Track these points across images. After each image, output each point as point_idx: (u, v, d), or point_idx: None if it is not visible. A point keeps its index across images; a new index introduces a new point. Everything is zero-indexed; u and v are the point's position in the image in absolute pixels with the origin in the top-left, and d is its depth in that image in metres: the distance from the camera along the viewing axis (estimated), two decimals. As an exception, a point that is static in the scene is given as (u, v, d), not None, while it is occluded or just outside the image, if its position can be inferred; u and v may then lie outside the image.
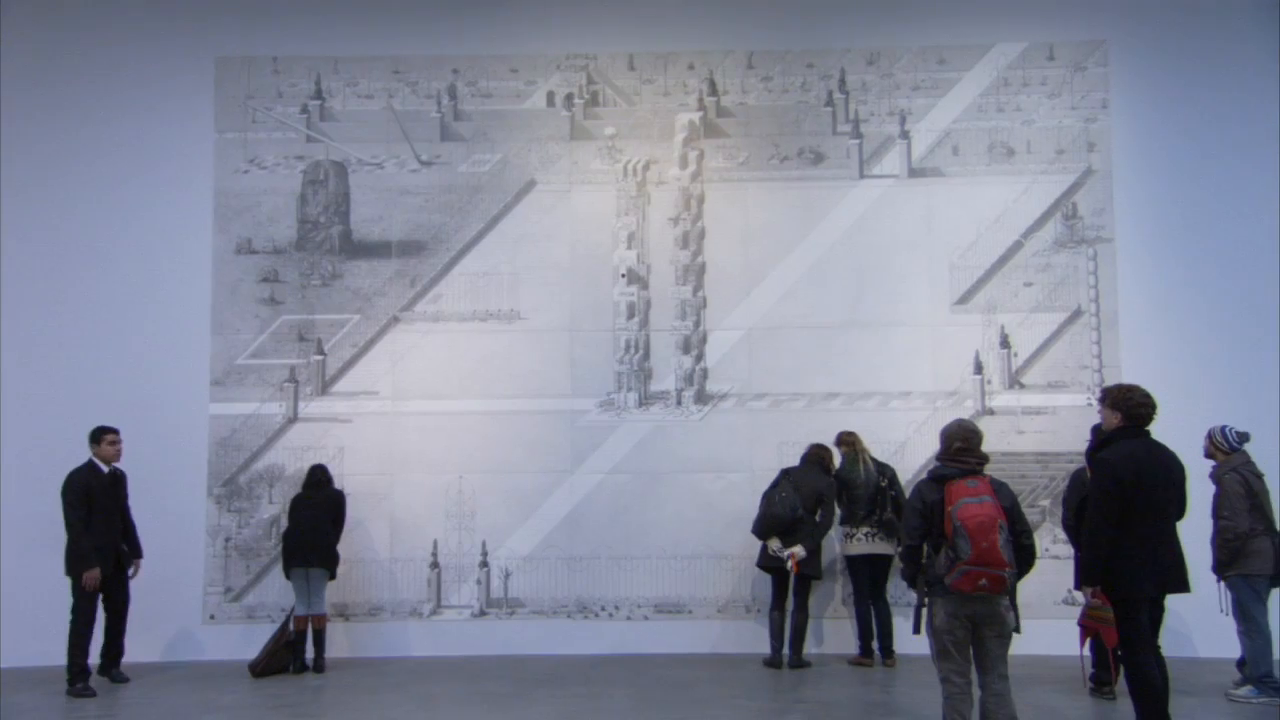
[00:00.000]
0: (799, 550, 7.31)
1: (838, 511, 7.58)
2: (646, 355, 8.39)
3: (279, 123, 8.63)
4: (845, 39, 8.55)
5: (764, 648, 7.57)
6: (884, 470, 7.62)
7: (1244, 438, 6.65)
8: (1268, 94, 8.19)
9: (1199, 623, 7.60)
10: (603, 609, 8.17)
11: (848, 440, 7.73)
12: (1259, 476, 6.58)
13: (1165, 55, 8.31)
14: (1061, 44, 8.38)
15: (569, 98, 8.60)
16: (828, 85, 8.54)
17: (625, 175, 8.53)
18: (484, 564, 8.19)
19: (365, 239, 8.54)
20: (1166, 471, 5.14)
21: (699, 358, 8.38)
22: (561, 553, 8.18)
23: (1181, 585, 5.14)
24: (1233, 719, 6.06)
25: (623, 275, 8.44)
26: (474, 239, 8.51)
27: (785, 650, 7.43)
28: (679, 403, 8.34)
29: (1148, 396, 5.26)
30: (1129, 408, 5.22)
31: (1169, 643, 6.93)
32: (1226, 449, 6.62)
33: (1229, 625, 6.96)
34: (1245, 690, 6.40)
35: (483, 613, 8.17)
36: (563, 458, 8.27)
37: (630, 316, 8.43)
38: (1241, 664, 6.57)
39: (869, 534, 7.46)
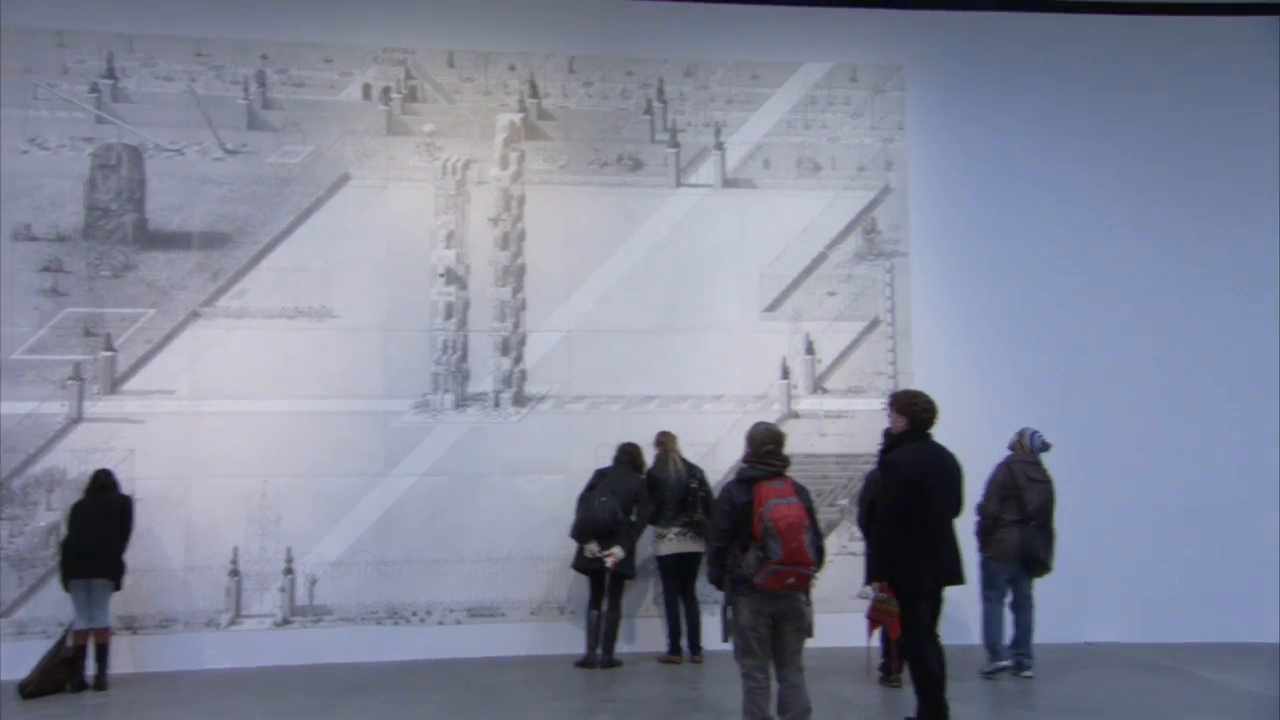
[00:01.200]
0: (618, 551, 7.43)
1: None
2: (464, 356, 8.30)
3: (65, 101, 8.00)
4: (664, 49, 8.74)
5: (578, 648, 7.63)
6: (694, 471, 7.84)
7: (1045, 447, 7.28)
8: (1046, 118, 8.92)
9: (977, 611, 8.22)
10: (414, 614, 8.02)
11: (661, 441, 7.91)
12: (1033, 480, 7.18)
13: (956, 82, 8.92)
14: (863, 67, 8.87)
15: (386, 92, 8.40)
16: (647, 94, 8.70)
17: (444, 173, 8.41)
18: (289, 571, 7.88)
19: (162, 229, 8.04)
20: (947, 472, 5.54)
21: (518, 359, 8.37)
22: (372, 557, 7.97)
23: (958, 578, 5.56)
24: (995, 696, 6.60)
25: (441, 275, 8.31)
26: (283, 233, 8.17)
27: (599, 650, 7.52)
28: (497, 405, 8.30)
29: (930, 402, 5.65)
30: (914, 412, 5.59)
31: (950, 631, 7.48)
32: (1026, 450, 7.27)
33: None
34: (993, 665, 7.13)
35: (286, 621, 7.85)
36: (375, 460, 8.06)
37: (448, 317, 8.31)
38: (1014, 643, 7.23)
39: (679, 534, 7.66)
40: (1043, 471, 7.29)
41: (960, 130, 8.90)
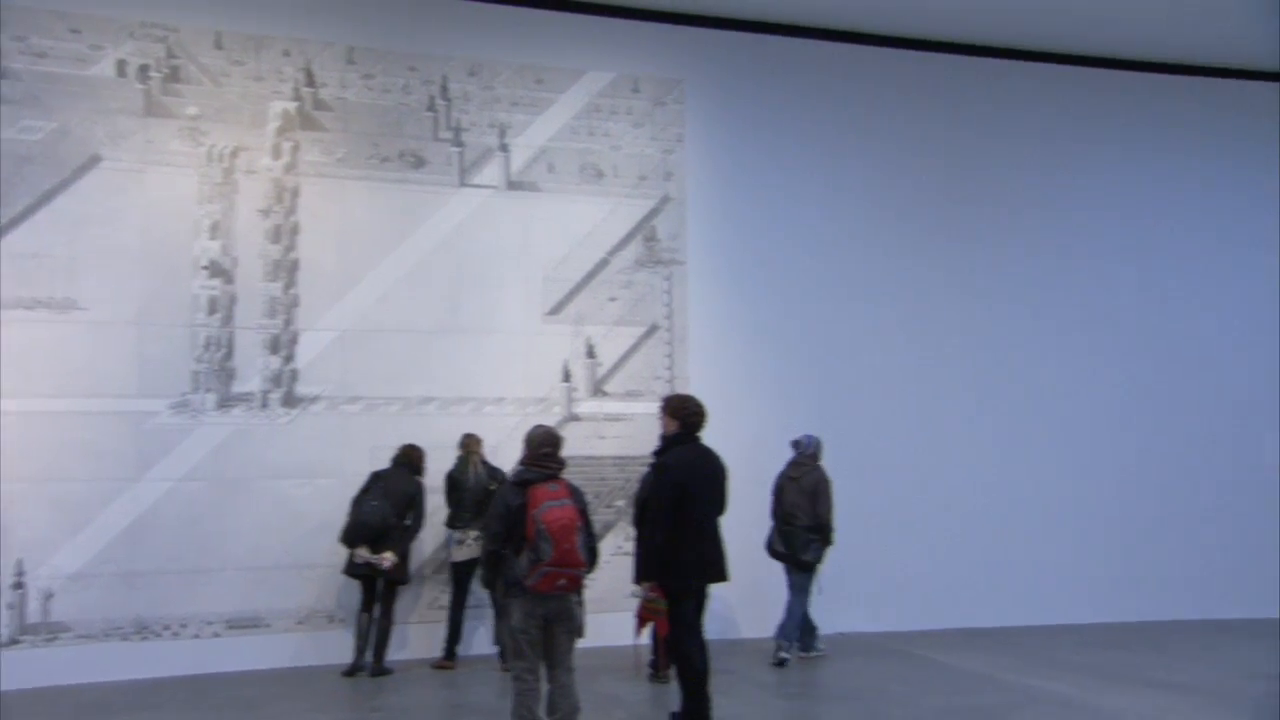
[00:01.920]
0: (389, 556, 7.25)
1: (423, 514, 7.60)
2: (229, 354, 7.86)
3: None
4: (448, 47, 8.62)
5: (348, 657, 7.39)
6: (495, 474, 7.74)
7: (805, 448, 7.96)
8: (816, 138, 9.44)
9: (742, 606, 8.61)
10: (166, 628, 7.50)
11: (465, 443, 7.80)
12: (790, 479, 7.83)
13: (733, 98, 9.30)
14: (645, 78, 9.09)
15: (144, 70, 7.82)
16: (430, 90, 8.54)
17: (210, 160, 7.94)
18: (18, 585, 7.18)
19: (-128, 206, 7.16)
20: (714, 474, 5.77)
21: (289, 358, 8.01)
22: (119, 568, 7.40)
23: (722, 576, 5.80)
24: (753, 686, 6.93)
25: (204, 267, 7.84)
26: (20, 216, 7.45)
27: (368, 657, 7.31)
28: (265, 405, 7.91)
29: (700, 406, 5.86)
30: (685, 416, 5.78)
31: (715, 627, 7.79)
32: (800, 451, 7.93)
33: (766, 607, 8.03)
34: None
35: (14, 641, 7.14)
36: (125, 464, 7.49)
37: (212, 312, 7.85)
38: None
39: (477, 538, 7.51)
40: (801, 470, 7.82)
41: (736, 145, 9.28)
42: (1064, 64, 10.13)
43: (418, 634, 7.99)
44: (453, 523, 7.65)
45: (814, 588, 7.85)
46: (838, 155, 9.50)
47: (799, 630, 7.80)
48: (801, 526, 7.71)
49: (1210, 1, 8.96)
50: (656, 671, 7.00)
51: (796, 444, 8.01)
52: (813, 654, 7.92)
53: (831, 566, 8.93)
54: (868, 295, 9.44)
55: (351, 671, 7.28)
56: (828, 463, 8.15)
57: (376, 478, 7.49)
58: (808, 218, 9.38)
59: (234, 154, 8.00)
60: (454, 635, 7.65)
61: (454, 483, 7.68)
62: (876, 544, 9.03)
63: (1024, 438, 9.59)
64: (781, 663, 7.56)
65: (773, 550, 7.82)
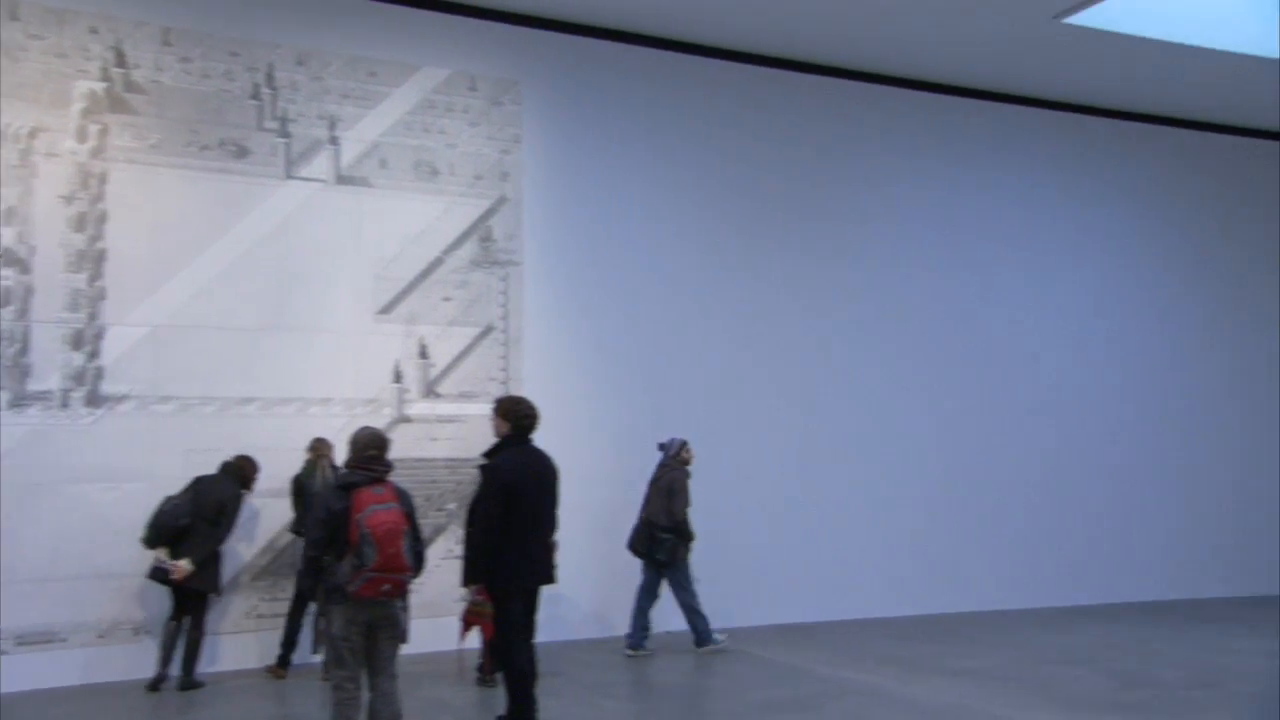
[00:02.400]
0: (184, 564, 6.88)
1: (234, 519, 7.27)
2: (24, 349, 7.31)
3: None
4: (274, 34, 8.28)
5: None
6: None
7: (663, 449, 8.35)
8: (652, 145, 9.57)
9: (580, 607, 8.67)
10: (-55, 647, 6.91)
11: (314, 447, 7.53)
12: (651, 481, 8.22)
13: (571, 102, 9.33)
14: (482, 77, 9.00)
15: (-72, 39, 7.18)
16: (254, 78, 8.18)
17: (3, 141, 7.36)
18: None
19: None
20: (546, 477, 5.78)
21: (93, 355, 7.52)
22: (-108, 583, 6.76)
23: (550, 578, 5.82)
24: (580, 688, 6.99)
25: (-2, 255, 7.26)
26: None
27: (175, 669, 6.93)
28: (65, 404, 7.39)
29: (533, 408, 5.86)
30: (516, 418, 5.77)
31: (554, 630, 7.81)
32: (665, 453, 8.27)
33: (602, 609, 8.11)
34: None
35: None
36: (-101, 468, 6.85)
37: (4, 304, 7.28)
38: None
39: None
40: (662, 471, 8.20)
41: (574, 148, 9.31)
42: (895, 86, 10.63)
43: (233, 645, 7.65)
44: (297, 528, 7.37)
45: (686, 582, 8.16)
46: (675, 163, 9.68)
47: (706, 630, 8.15)
48: (659, 526, 8.02)
49: (1016, 34, 9.62)
50: (484, 675, 6.95)
51: (661, 446, 8.32)
52: (640, 652, 8.05)
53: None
54: (702, 301, 9.66)
55: (155, 685, 6.90)
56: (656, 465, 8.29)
57: (197, 481, 7.14)
58: (644, 223, 9.52)
59: (32, 135, 7.45)
60: (289, 641, 7.37)
61: (300, 487, 7.41)
62: (699, 544, 9.24)
63: (842, 441, 10.00)
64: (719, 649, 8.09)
65: (631, 548, 8.17)
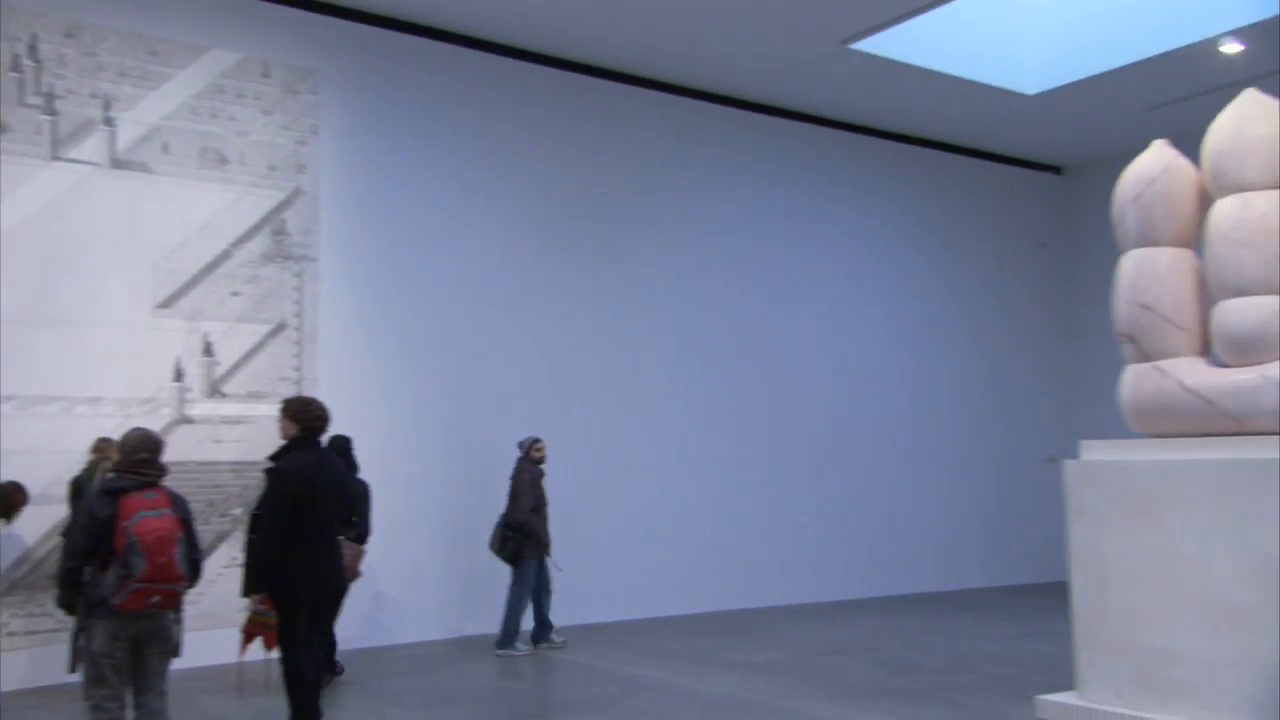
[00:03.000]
0: None
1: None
2: None
3: None
4: (37, 2, 7.64)
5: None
6: None
7: (520, 448, 8.47)
8: (455, 143, 9.47)
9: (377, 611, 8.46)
10: None
11: (99, 447, 6.98)
12: (509, 479, 8.36)
13: (372, 95, 9.11)
14: (277, 64, 8.64)
15: None
16: (14, 48, 7.53)
17: None
18: None
19: None
20: (335, 481, 5.61)
21: None
22: None
23: (339, 585, 5.66)
24: (369, 694, 6.85)
25: None
26: None
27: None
28: None
29: (324, 409, 5.68)
30: (305, 419, 5.57)
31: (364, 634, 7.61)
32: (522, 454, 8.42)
33: (395, 610, 7.96)
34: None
35: None
36: None
37: None
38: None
39: None
40: (514, 470, 8.36)
41: (374, 142, 9.10)
42: (698, 99, 10.97)
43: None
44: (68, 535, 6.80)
45: (523, 581, 8.26)
46: (480, 164, 9.62)
47: (517, 625, 8.22)
48: (507, 525, 8.25)
49: (808, 57, 10.14)
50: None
51: (519, 444, 8.47)
52: (543, 646, 8.34)
53: (457, 572, 9.06)
54: (505, 303, 9.64)
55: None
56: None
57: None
58: (447, 223, 9.41)
59: None
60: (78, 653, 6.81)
61: (79, 490, 6.85)
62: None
63: (635, 443, 10.22)
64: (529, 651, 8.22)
65: (490, 547, 8.35)
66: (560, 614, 8.67)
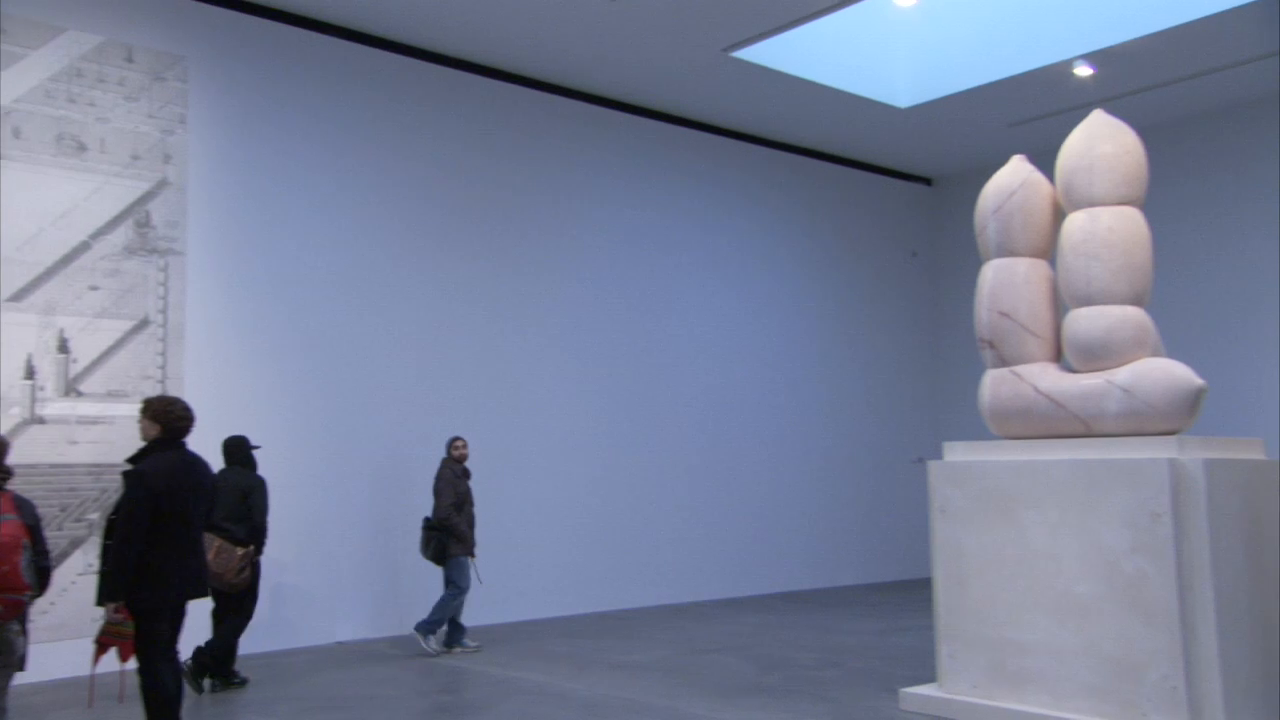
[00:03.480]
0: None
1: None
2: None
3: None
4: None
5: None
6: None
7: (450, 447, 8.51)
8: (328, 137, 9.24)
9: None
10: None
11: None
12: (435, 477, 8.42)
13: (243, 85, 8.80)
14: (141, 48, 8.27)
15: None
16: None
17: None
18: None
19: None
20: (199, 483, 5.41)
21: None
22: None
23: (202, 591, 5.46)
24: (234, 705, 6.64)
25: None
26: None
27: None
28: None
29: (188, 410, 5.46)
30: (168, 420, 5.34)
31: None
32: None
33: (283, 620, 7.72)
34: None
35: None
36: None
37: None
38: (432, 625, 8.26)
39: None
40: (436, 471, 8.43)
41: (245, 133, 8.80)
42: (582, 101, 11.00)
43: None
44: None
45: (452, 580, 8.23)
46: (357, 160, 9.43)
47: (442, 620, 8.19)
48: (430, 524, 8.28)
49: (691, 63, 10.28)
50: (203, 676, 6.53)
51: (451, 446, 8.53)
52: (456, 650, 8.32)
53: (328, 575, 8.86)
54: (378, 300, 9.45)
55: None
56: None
57: None
58: (322, 219, 9.18)
59: None
60: None
61: None
62: (367, 551, 9.09)
63: (513, 444, 10.13)
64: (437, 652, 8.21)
65: (420, 550, 8.39)
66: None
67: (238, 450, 7.36)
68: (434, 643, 8.26)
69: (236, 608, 7.10)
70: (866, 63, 11.13)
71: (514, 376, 10.28)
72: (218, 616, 7.14)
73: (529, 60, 10.28)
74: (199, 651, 6.98)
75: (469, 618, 8.79)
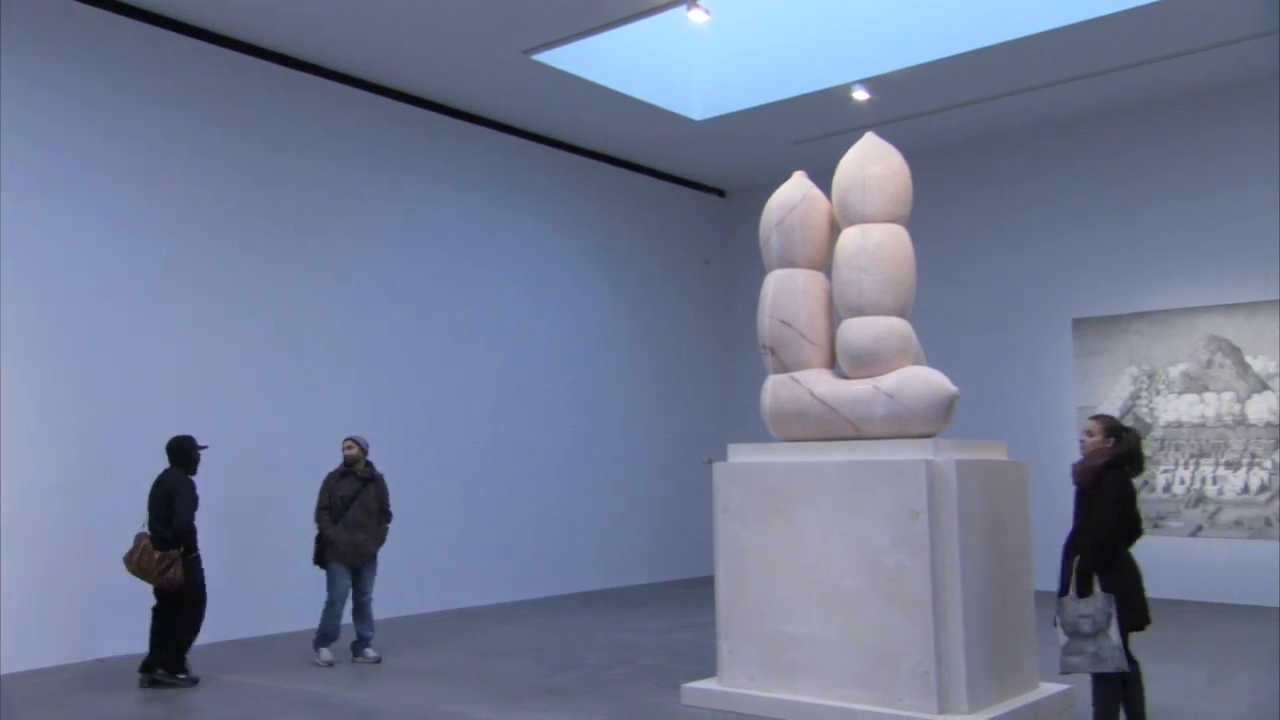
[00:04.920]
0: None
1: None
2: None
3: None
4: None
5: None
6: None
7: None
8: (95, 114, 8.56)
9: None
10: None
11: None
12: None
13: (14, 61, 8.02)
14: None
15: None
16: None
17: None
18: None
19: None
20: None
21: None
22: None
23: None
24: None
25: None
26: None
27: None
28: None
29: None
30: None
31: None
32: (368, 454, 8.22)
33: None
34: (373, 651, 8.00)
35: None
36: None
37: None
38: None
39: None
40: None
41: (7, 116, 8.01)
42: (372, 92, 10.68)
43: None
44: None
45: (334, 593, 7.93)
46: (135, 149, 8.81)
47: (325, 630, 7.94)
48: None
49: (491, 64, 10.20)
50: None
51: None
52: (357, 660, 8.05)
53: (82, 590, 8.20)
54: (141, 299, 8.79)
55: None
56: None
57: None
58: (71, 199, 8.42)
59: None
60: None
61: None
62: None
63: (290, 447, 9.67)
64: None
65: None
66: (218, 629, 8.12)
67: (176, 452, 7.38)
68: (325, 654, 7.89)
69: (177, 607, 7.21)
70: (664, 74, 11.40)
71: (301, 377, 9.85)
72: (158, 614, 7.27)
73: (324, 50, 9.89)
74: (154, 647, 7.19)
75: (234, 629, 8.35)
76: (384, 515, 8.25)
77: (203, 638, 7.76)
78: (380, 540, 8.22)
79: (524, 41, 9.82)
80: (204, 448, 7.49)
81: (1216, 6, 9.16)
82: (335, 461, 8.38)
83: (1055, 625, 5.04)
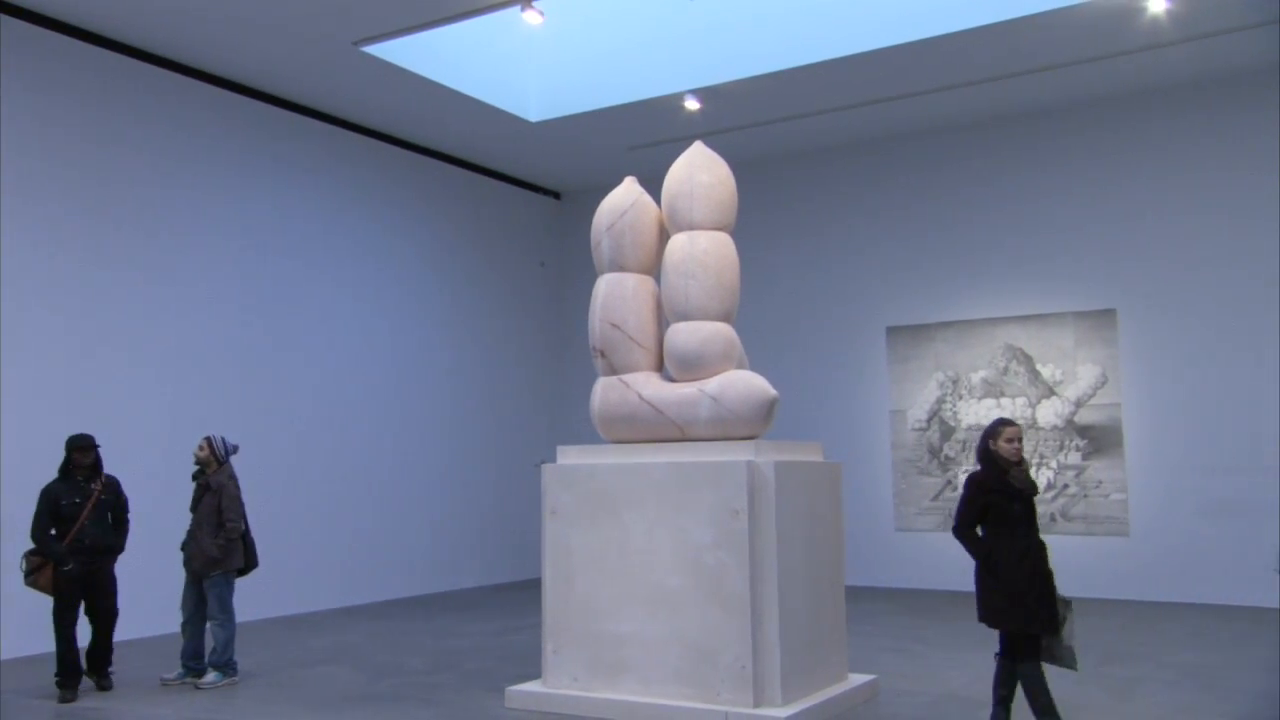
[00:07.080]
0: None
1: None
2: None
3: None
4: None
5: None
6: None
7: (235, 449, 7.57)
8: None
9: None
10: None
11: None
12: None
13: None
14: None
15: None
16: None
17: None
18: None
19: None
20: None
21: None
22: None
23: None
24: None
25: None
26: None
27: None
28: None
29: None
30: None
31: None
32: (223, 458, 7.45)
33: None
34: (212, 676, 7.17)
35: None
36: None
37: None
38: (196, 654, 7.29)
39: None
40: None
41: None
42: (202, 80, 10.17)
43: None
44: None
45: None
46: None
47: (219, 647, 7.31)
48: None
49: (320, 55, 9.87)
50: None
51: (223, 443, 7.64)
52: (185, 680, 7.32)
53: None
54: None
55: None
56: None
57: None
58: None
59: None
60: None
61: None
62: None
63: (114, 454, 9.14)
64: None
65: None
66: (8, 645, 7.53)
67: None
68: (212, 676, 7.24)
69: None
70: (500, 74, 11.32)
71: (123, 376, 9.25)
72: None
73: (147, 34, 9.33)
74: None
75: (32, 643, 7.74)
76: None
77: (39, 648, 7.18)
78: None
79: (355, 32, 9.55)
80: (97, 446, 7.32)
81: (1016, 37, 9.87)
82: (166, 464, 7.90)
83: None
